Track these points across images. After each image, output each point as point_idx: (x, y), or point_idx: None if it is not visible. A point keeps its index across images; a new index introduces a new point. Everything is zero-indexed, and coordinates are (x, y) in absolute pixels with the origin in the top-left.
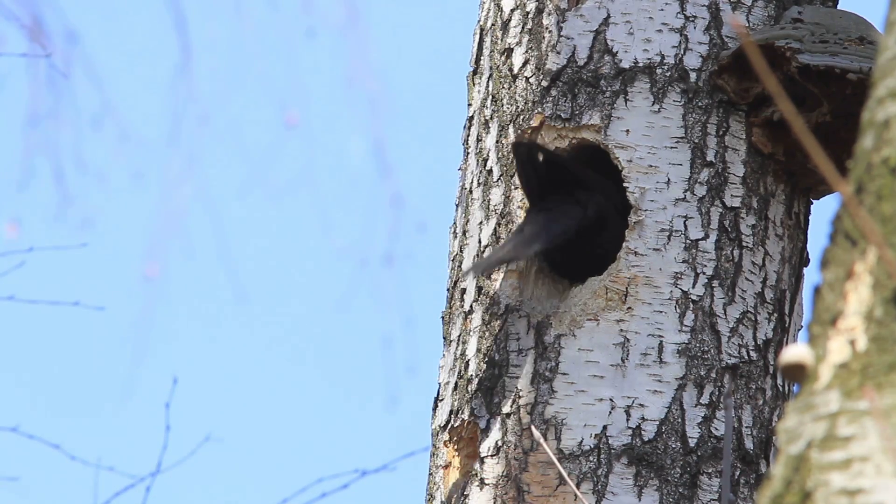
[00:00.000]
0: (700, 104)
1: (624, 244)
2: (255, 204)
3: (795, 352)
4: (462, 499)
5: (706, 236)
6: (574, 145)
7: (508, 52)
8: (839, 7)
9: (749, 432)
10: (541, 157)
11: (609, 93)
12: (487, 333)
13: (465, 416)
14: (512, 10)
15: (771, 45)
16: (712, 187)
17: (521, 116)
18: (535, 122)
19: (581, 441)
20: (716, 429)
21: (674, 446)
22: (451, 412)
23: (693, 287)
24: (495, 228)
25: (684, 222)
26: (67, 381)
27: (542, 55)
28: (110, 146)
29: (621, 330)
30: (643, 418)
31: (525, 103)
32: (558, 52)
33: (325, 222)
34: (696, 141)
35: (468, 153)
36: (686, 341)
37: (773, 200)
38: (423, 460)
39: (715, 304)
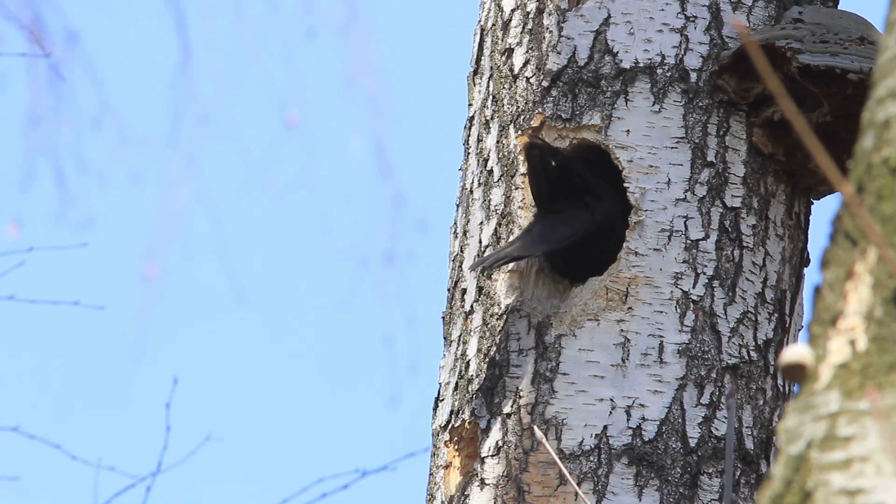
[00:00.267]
0: (700, 104)
1: (624, 244)
2: (255, 204)
3: (796, 352)
4: (462, 499)
5: (706, 236)
6: (574, 145)
7: (509, 52)
8: (839, 7)
9: (749, 432)
10: (554, 163)
11: (609, 93)
12: (488, 333)
13: (466, 416)
14: (512, 11)
15: (771, 45)
16: (713, 187)
17: (522, 117)
18: (535, 123)
19: (581, 441)
20: (716, 429)
21: (674, 446)
22: (451, 412)
23: (693, 287)
24: (496, 228)
25: (685, 222)
26: (67, 381)
27: (543, 55)
28: (110, 146)
29: (622, 330)
30: (643, 418)
31: (525, 103)
32: (559, 53)
33: (325, 222)
34: (697, 141)
35: (469, 153)
36: (686, 341)
37: (774, 200)
38: (424, 460)
39: (715, 304)
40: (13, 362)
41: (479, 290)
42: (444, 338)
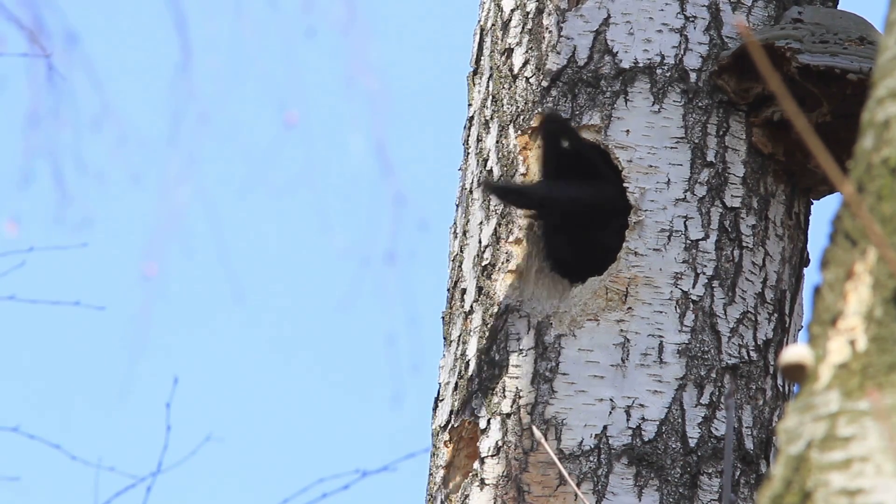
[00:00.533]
0: (700, 104)
1: (624, 244)
2: (255, 204)
3: (795, 352)
4: (462, 499)
5: (706, 236)
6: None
7: (509, 52)
8: (839, 7)
9: (749, 432)
10: (565, 144)
11: (609, 93)
12: (488, 333)
13: (466, 416)
14: (512, 11)
15: (771, 46)
16: (712, 187)
17: (522, 116)
18: (535, 123)
19: (581, 441)
20: (716, 429)
21: (674, 446)
22: (451, 412)
23: (693, 287)
24: (495, 228)
25: (684, 222)
26: (67, 381)
27: (543, 55)
28: (110, 146)
29: (621, 330)
30: (643, 418)
31: (525, 103)
32: (558, 53)
33: (326, 222)
34: (696, 141)
35: (468, 153)
36: (686, 341)
37: (774, 201)
38: (424, 461)
39: (715, 304)
40: (13, 362)
41: (479, 290)
42: (444, 338)
